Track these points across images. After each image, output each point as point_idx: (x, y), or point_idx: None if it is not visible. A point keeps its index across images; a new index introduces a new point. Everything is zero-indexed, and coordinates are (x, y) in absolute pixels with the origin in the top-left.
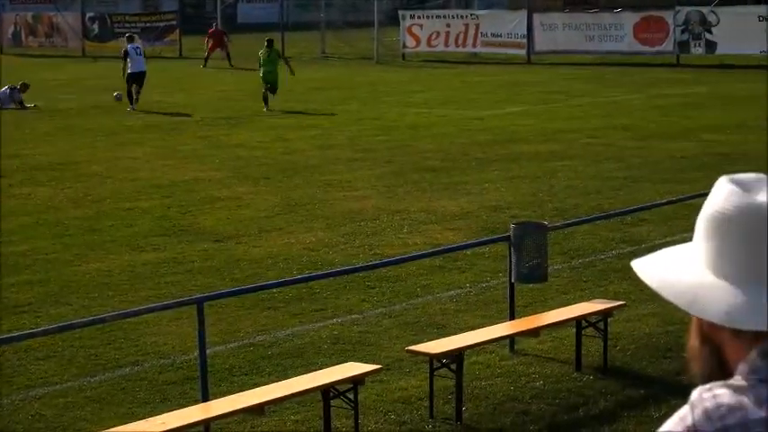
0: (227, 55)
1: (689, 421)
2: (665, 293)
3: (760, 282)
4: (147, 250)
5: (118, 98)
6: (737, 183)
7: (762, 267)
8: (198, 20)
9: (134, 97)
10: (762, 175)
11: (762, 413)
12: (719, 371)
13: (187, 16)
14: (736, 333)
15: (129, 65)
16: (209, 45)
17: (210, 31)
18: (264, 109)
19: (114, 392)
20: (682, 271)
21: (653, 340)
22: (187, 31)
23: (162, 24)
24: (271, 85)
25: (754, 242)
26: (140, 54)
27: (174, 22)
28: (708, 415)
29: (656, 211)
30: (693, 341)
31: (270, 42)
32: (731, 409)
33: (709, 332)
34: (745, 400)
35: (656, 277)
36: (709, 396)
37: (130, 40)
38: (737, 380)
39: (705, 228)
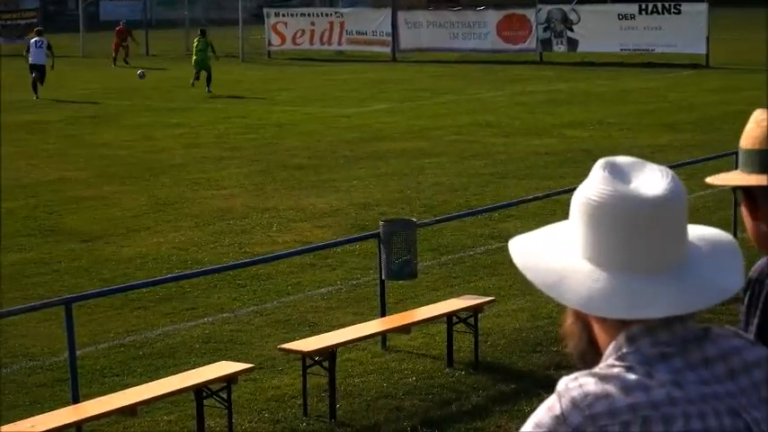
0: (126, 53)
1: (557, 411)
2: (530, 275)
3: (624, 269)
4: (13, 251)
5: (141, 76)
6: (612, 169)
7: (627, 255)
8: (59, 17)
9: (37, 87)
10: (638, 161)
11: (628, 400)
12: (591, 348)
13: (48, 14)
14: (602, 317)
15: (30, 57)
16: (114, 43)
17: (117, 29)
18: (207, 91)
19: None
20: (552, 252)
21: (523, 335)
22: (49, 28)
23: (23, 22)
24: (205, 71)
25: (622, 230)
26: (40, 47)
27: (36, 20)
28: (575, 404)
29: (523, 207)
30: (567, 318)
31: (203, 32)
32: (597, 397)
33: (580, 311)
34: (611, 387)
35: (523, 258)
36: (575, 385)
37: (38, 33)
38: (603, 367)
39: (577, 210)
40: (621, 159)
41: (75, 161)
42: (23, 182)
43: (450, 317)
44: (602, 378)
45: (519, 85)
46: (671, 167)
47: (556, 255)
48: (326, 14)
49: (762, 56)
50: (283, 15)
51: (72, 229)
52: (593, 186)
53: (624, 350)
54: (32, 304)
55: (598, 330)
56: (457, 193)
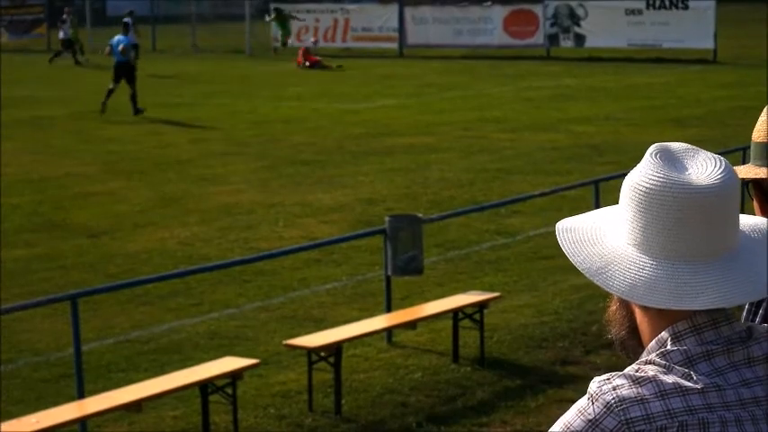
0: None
1: (590, 415)
2: (575, 261)
3: (671, 258)
4: (19, 246)
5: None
6: (664, 155)
7: (675, 244)
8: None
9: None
10: (692, 148)
11: (665, 404)
12: (632, 337)
13: (55, 9)
14: (644, 306)
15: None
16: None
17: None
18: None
19: None
20: (599, 238)
21: (528, 331)
22: (55, 24)
23: (29, 17)
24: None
25: (672, 218)
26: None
27: (42, 16)
28: (609, 408)
29: (530, 203)
30: (612, 304)
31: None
32: (633, 401)
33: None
34: (647, 391)
35: (570, 243)
36: (608, 388)
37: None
38: (639, 366)
39: (627, 196)
40: (675, 146)
41: (81, 156)
42: (30, 177)
43: (455, 313)
44: (637, 381)
45: (526, 81)
46: None
47: (602, 241)
48: (331, 11)
49: None
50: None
51: (78, 224)
52: (645, 172)
53: (668, 347)
54: (38, 299)
55: (641, 320)
56: (463, 188)
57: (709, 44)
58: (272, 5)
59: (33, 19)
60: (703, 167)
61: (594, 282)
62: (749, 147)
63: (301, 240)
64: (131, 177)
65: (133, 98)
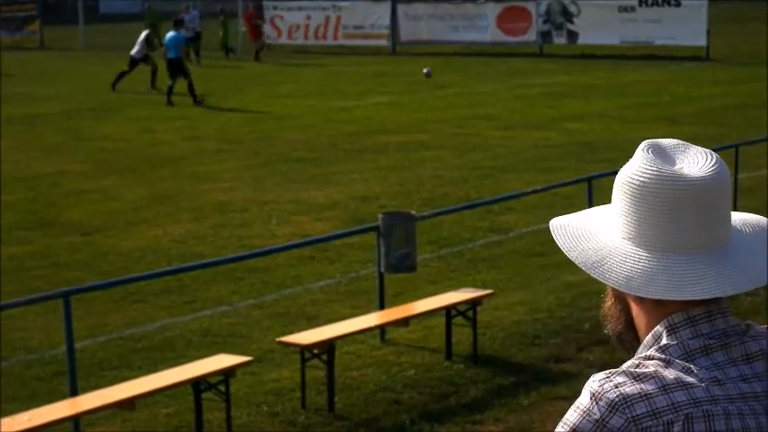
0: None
1: (596, 415)
2: (572, 256)
3: (665, 250)
4: (12, 244)
5: (428, 75)
6: (655, 150)
7: (669, 236)
8: (59, 10)
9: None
10: (682, 143)
11: (669, 398)
12: (629, 330)
13: (48, 6)
14: (640, 298)
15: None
16: None
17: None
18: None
19: None
20: (594, 233)
21: (521, 328)
22: (48, 21)
23: (22, 15)
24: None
25: (664, 211)
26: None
27: (34, 13)
28: (614, 407)
29: (523, 200)
30: (607, 300)
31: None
32: (637, 398)
33: (619, 292)
34: (649, 386)
35: (565, 238)
36: (610, 387)
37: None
38: (638, 362)
39: (619, 191)
40: (665, 141)
41: (74, 154)
42: (23, 175)
43: (448, 310)
44: (638, 377)
45: (519, 78)
46: None
47: (597, 235)
48: (323, 8)
49: (762, 48)
50: (280, 9)
51: (71, 222)
52: (637, 167)
53: (664, 341)
54: (31, 297)
55: (636, 313)
56: (456, 186)
57: (701, 41)
58: (264, 3)
59: (25, 16)
60: (695, 161)
61: (592, 275)
62: (742, 143)
63: (294, 238)
64: (124, 175)
65: (190, 88)
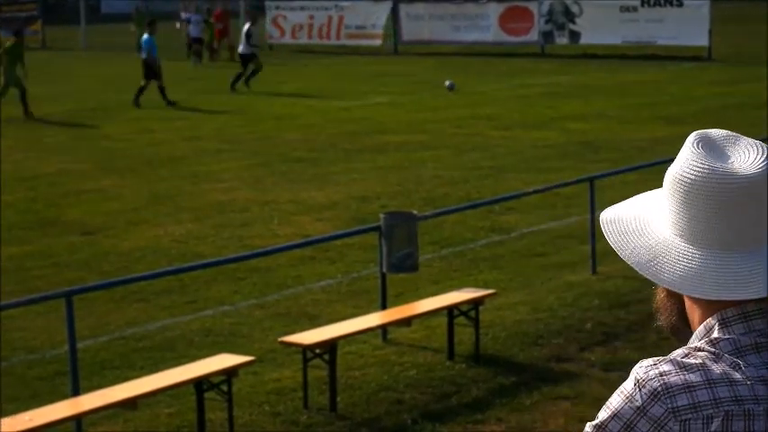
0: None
1: (637, 402)
2: (623, 255)
3: (718, 248)
4: (13, 244)
5: (451, 87)
6: (706, 144)
7: (722, 234)
8: (60, 10)
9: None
10: (732, 135)
11: (712, 393)
12: (683, 322)
13: (49, 6)
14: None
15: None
16: None
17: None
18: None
19: None
20: (645, 230)
21: (523, 328)
22: (49, 21)
23: (23, 15)
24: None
25: (717, 208)
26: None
27: (36, 13)
28: (656, 395)
29: (523, 200)
30: (660, 292)
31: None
32: (680, 389)
33: None
34: (694, 378)
35: (616, 236)
36: (655, 374)
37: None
38: (687, 351)
39: (670, 187)
40: (715, 133)
41: (75, 154)
42: (23, 175)
43: (450, 310)
44: (685, 367)
45: (520, 78)
46: (672, 161)
47: (648, 231)
48: (326, 8)
49: (763, 48)
50: (283, 9)
51: (72, 221)
52: (688, 163)
53: (716, 334)
54: (32, 297)
55: (689, 306)
56: (457, 185)
57: (703, 41)
58: (266, 2)
59: (27, 16)
60: (746, 155)
61: (643, 275)
62: None
63: (295, 238)
64: (125, 175)
65: (161, 90)
